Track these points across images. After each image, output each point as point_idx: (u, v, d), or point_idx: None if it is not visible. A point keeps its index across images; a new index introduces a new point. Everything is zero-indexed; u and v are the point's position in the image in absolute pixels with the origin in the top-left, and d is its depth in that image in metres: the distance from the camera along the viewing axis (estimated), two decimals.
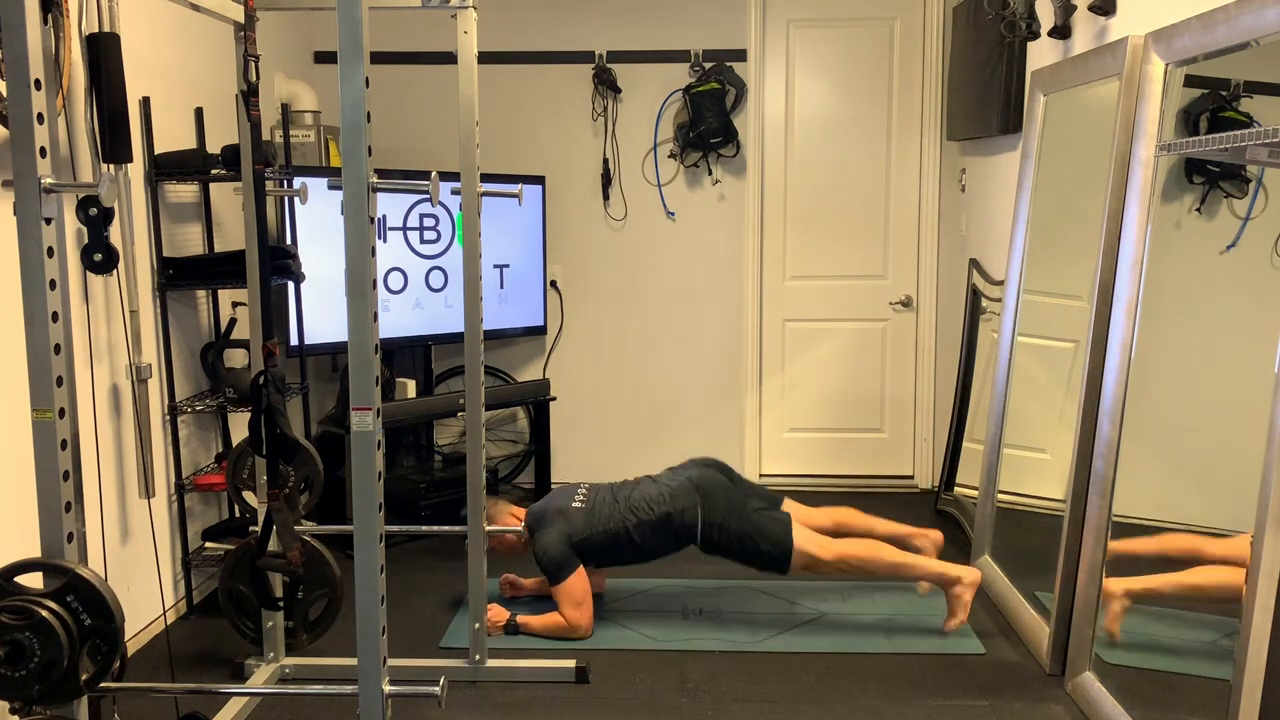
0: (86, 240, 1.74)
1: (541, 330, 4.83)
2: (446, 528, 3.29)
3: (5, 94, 2.09)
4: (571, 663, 3.03)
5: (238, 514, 3.70)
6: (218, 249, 3.70)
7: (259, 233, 2.61)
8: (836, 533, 3.44)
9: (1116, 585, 2.77)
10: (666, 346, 4.98)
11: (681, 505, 3.30)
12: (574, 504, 3.39)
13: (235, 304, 3.73)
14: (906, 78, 4.82)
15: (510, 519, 3.48)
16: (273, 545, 2.44)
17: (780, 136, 4.88)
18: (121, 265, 3.10)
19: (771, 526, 3.26)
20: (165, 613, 3.38)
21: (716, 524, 3.27)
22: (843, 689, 2.98)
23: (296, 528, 2.42)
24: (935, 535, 3.56)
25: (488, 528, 3.05)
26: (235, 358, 3.61)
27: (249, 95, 2.34)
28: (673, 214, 4.88)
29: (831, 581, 3.66)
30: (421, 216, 4.34)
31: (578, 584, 3.27)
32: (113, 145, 2.94)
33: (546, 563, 3.27)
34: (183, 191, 3.53)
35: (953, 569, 3.29)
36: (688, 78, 4.74)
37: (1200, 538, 2.65)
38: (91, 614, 1.67)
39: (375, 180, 1.82)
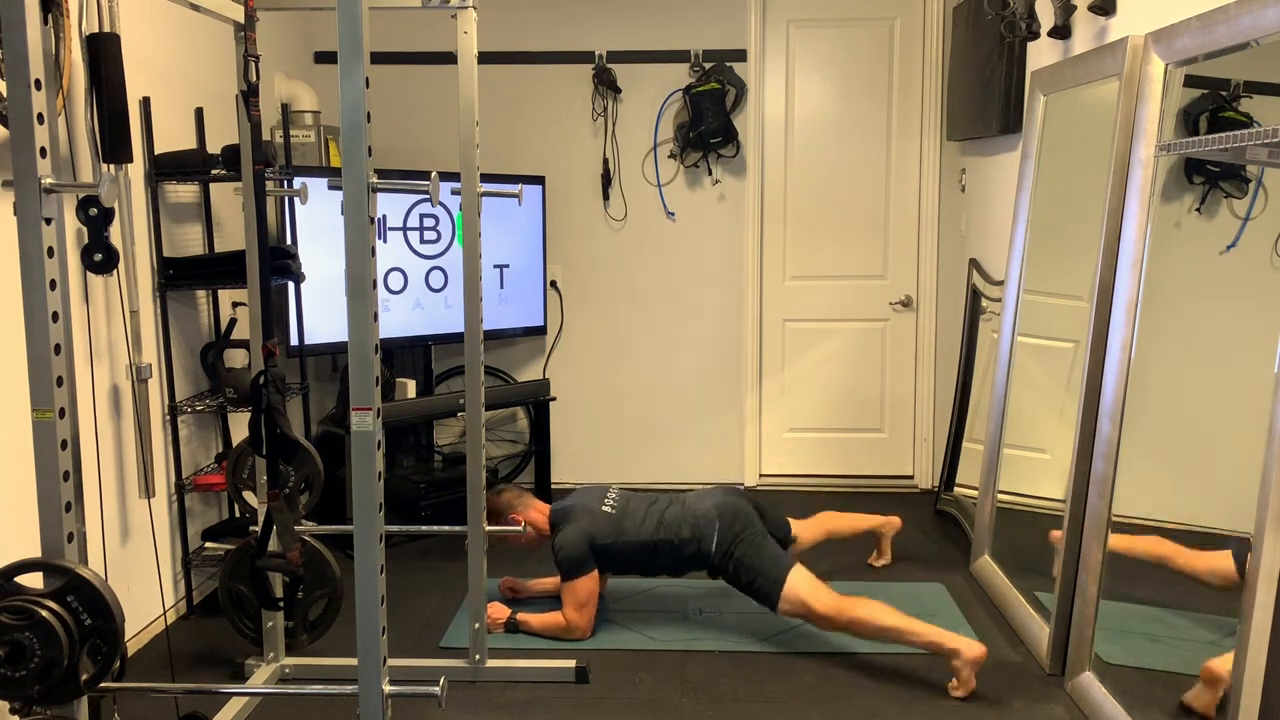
0: (86, 240, 1.74)
1: (541, 330, 4.83)
2: (446, 528, 3.28)
3: (5, 94, 2.10)
4: (571, 663, 3.03)
5: (238, 514, 3.70)
6: (218, 249, 3.70)
7: (259, 233, 2.61)
8: (827, 540, 3.72)
9: (1221, 668, 2.31)
10: (666, 346, 4.98)
11: (701, 532, 3.27)
12: (604, 507, 3.37)
13: (235, 304, 3.73)
14: (906, 78, 4.82)
15: (534, 513, 3.44)
16: (273, 545, 2.44)
17: (780, 136, 4.87)
18: (121, 265, 3.10)
19: (770, 570, 3.17)
20: (165, 613, 3.38)
21: (726, 554, 3.24)
22: (843, 689, 2.98)
23: (296, 528, 2.43)
24: (894, 520, 3.91)
25: (489, 528, 3.05)
26: (235, 358, 3.61)
27: (249, 95, 2.34)
28: (673, 214, 4.88)
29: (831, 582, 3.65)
30: (421, 216, 4.34)
31: (586, 586, 3.26)
32: (113, 145, 2.94)
33: (562, 558, 3.25)
34: (183, 191, 3.53)
35: (950, 640, 2.95)
36: (688, 78, 4.74)
37: (1172, 546, 2.62)
38: (91, 614, 1.67)
39: (375, 180, 1.82)
